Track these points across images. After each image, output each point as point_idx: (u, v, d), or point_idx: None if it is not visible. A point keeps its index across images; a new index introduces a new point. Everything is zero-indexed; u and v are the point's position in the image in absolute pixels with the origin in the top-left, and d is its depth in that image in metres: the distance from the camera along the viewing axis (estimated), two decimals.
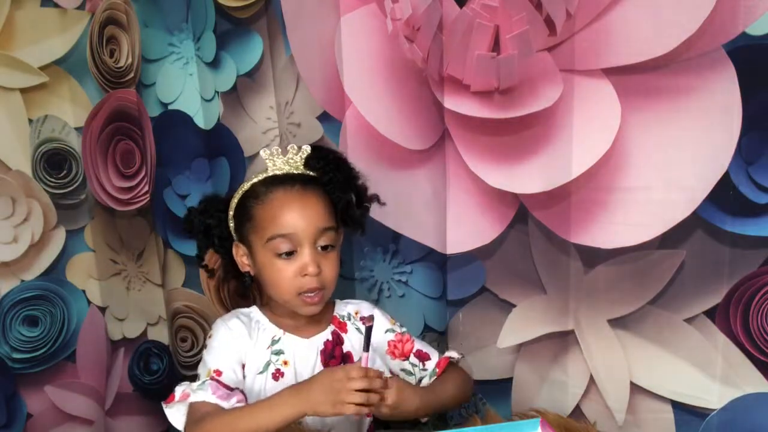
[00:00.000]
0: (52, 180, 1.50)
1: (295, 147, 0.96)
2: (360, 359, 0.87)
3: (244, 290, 1.03)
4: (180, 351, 1.45)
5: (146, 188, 1.45)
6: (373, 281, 1.22)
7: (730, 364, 0.91)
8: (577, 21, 0.91)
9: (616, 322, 0.99)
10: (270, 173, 0.96)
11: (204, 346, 0.97)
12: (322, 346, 0.99)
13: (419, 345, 1.03)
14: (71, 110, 1.49)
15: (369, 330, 0.88)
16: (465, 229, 1.08)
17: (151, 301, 1.53)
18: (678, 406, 0.96)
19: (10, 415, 1.53)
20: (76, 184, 1.53)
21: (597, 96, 0.92)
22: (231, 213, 0.98)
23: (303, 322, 0.98)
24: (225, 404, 0.88)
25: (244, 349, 0.96)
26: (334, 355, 0.98)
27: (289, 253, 0.92)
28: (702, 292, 0.91)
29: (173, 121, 1.34)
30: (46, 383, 1.55)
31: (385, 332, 1.02)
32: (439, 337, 1.17)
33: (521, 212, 1.03)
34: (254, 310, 1.01)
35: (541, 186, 0.99)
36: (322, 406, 0.82)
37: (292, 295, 0.94)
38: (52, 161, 1.49)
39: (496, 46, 0.96)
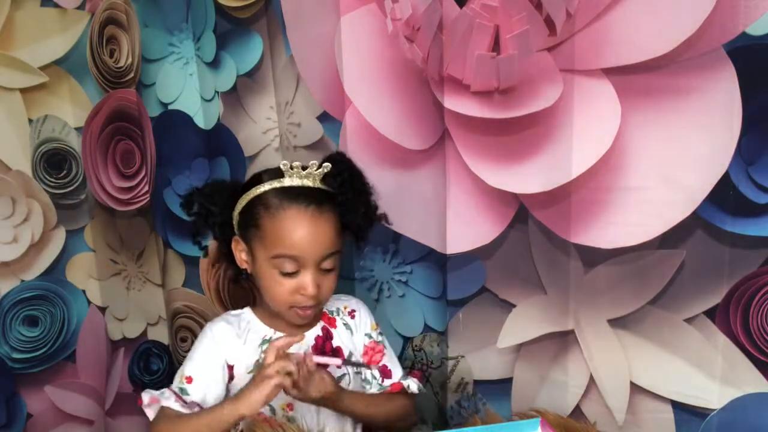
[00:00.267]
0: (52, 180, 1.50)
1: (316, 163, 0.94)
2: None
3: (237, 277, 1.03)
4: (180, 351, 1.45)
5: (146, 188, 1.45)
6: (373, 281, 1.22)
7: (730, 364, 0.91)
8: (577, 21, 0.91)
9: (616, 322, 0.99)
10: (285, 184, 0.93)
11: None
12: (313, 342, 0.99)
13: (387, 360, 1.04)
14: (71, 110, 1.49)
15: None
16: (465, 229, 1.08)
17: (151, 301, 1.53)
18: (678, 406, 0.96)
19: (10, 415, 1.53)
20: (76, 184, 1.53)
21: (597, 96, 0.92)
22: (237, 210, 0.97)
23: (294, 323, 0.99)
24: (186, 411, 0.90)
25: (229, 351, 0.96)
26: (324, 351, 0.99)
27: (292, 273, 0.92)
28: (702, 292, 0.91)
29: (173, 121, 1.34)
30: (46, 383, 1.55)
31: (364, 335, 1.04)
32: (439, 337, 1.17)
33: (521, 212, 1.03)
34: (246, 312, 1.01)
35: (541, 186, 0.99)
36: (252, 396, 0.84)
37: (285, 307, 0.94)
38: (52, 161, 1.49)
39: (496, 46, 0.96)
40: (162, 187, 1.40)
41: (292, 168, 0.92)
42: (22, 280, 1.50)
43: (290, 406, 0.97)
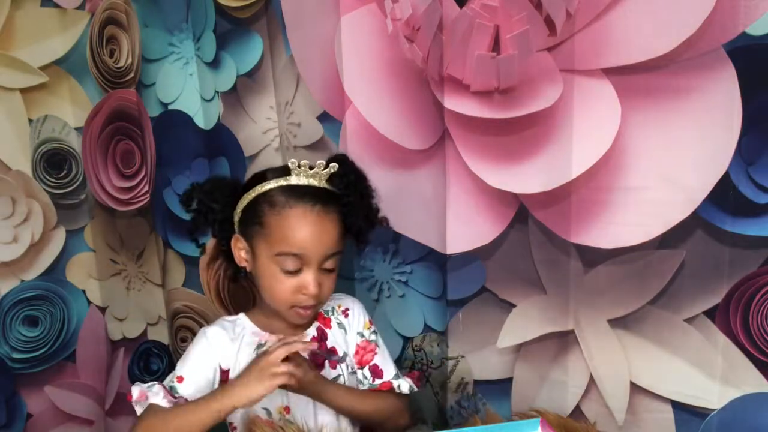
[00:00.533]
0: (52, 180, 1.50)
1: (323, 162, 0.94)
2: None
3: (236, 276, 1.02)
4: (180, 351, 1.45)
5: (146, 188, 1.45)
6: (373, 281, 1.22)
7: (730, 364, 0.91)
8: (577, 21, 0.91)
9: (616, 322, 0.99)
10: (291, 182, 0.93)
11: None
12: None
13: (380, 360, 1.03)
14: (71, 110, 1.49)
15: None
16: (465, 229, 1.07)
17: (151, 301, 1.53)
18: (678, 406, 0.96)
19: (10, 415, 1.53)
20: (76, 184, 1.53)
21: (597, 96, 0.92)
22: (240, 208, 0.96)
23: (287, 323, 0.99)
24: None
25: (223, 355, 0.96)
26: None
27: (294, 271, 0.92)
28: (702, 292, 0.91)
29: (173, 121, 1.34)
30: (46, 383, 1.55)
31: (357, 333, 1.04)
32: (439, 337, 1.17)
33: (521, 212, 1.03)
34: (241, 317, 1.01)
35: (541, 186, 0.99)
36: (253, 389, 0.84)
37: (286, 306, 0.94)
38: (52, 161, 1.50)
39: (496, 46, 0.96)
40: (162, 187, 1.40)
41: (299, 167, 0.92)
42: (22, 280, 1.50)
43: (287, 409, 0.97)
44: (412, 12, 1.01)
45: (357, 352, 1.03)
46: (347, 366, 1.01)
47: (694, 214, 0.88)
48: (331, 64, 1.13)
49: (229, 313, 1.06)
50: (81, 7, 1.43)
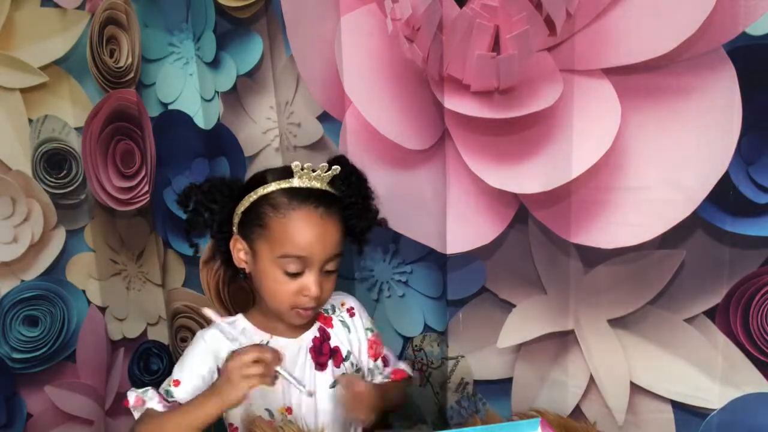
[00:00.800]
0: (52, 180, 1.50)
1: (326, 165, 0.94)
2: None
3: (234, 278, 1.03)
4: (180, 351, 1.45)
5: (146, 188, 1.45)
6: (373, 281, 1.22)
7: (730, 364, 0.91)
8: (577, 21, 0.91)
9: (616, 322, 0.99)
10: (294, 184, 0.93)
11: None
12: (311, 344, 0.99)
13: (385, 349, 1.07)
14: (71, 110, 1.49)
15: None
16: (465, 229, 1.08)
17: (151, 301, 1.53)
18: (678, 406, 0.96)
19: (10, 415, 1.53)
20: (76, 184, 1.53)
21: (597, 96, 0.92)
22: (240, 209, 0.96)
23: (290, 324, 0.99)
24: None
25: (221, 357, 0.96)
26: (322, 352, 0.99)
27: (296, 273, 0.92)
28: (702, 292, 0.91)
29: (173, 121, 1.34)
30: (46, 383, 1.55)
31: (366, 329, 1.05)
32: (439, 337, 1.17)
33: (521, 212, 1.03)
34: (239, 319, 1.01)
35: (541, 186, 0.99)
36: (229, 394, 0.87)
37: (287, 307, 0.94)
38: (52, 161, 1.50)
39: (496, 46, 0.96)
40: (162, 187, 1.40)
41: (302, 169, 0.92)
42: (22, 280, 1.50)
43: (289, 410, 0.97)
44: (412, 12, 1.01)
45: (371, 347, 1.05)
46: (352, 364, 1.01)
47: (694, 214, 0.88)
48: (331, 64, 1.13)
49: (230, 313, 1.06)
50: (81, 7, 1.43)
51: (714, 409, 0.93)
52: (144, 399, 0.93)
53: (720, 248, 0.88)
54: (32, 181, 1.48)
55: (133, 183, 1.47)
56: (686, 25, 0.83)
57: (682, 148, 0.88)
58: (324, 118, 1.17)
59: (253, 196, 0.94)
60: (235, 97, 1.26)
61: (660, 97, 0.88)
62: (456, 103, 1.02)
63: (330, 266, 0.94)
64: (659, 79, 0.87)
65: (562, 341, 1.04)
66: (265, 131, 1.25)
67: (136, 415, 0.94)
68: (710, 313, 0.91)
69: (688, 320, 0.93)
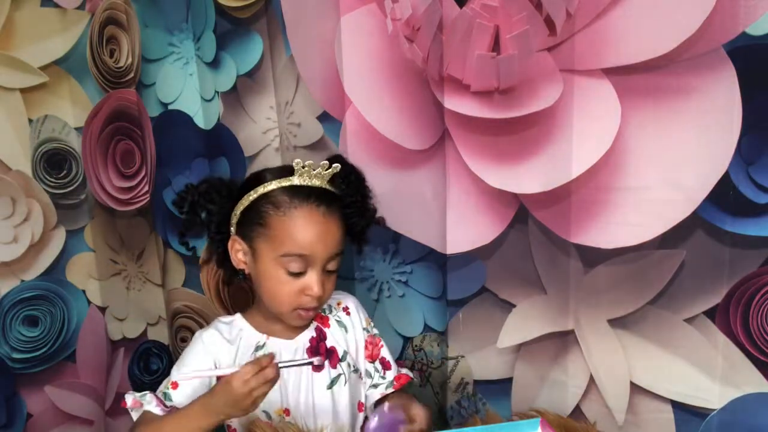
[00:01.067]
0: (52, 180, 1.50)
1: (326, 163, 0.94)
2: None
3: (231, 279, 1.02)
4: (180, 351, 1.44)
5: (146, 188, 1.45)
6: (373, 281, 1.22)
7: (730, 364, 0.91)
8: (577, 21, 0.91)
9: (616, 322, 0.99)
10: (294, 182, 0.92)
11: None
12: (308, 344, 0.99)
13: (384, 352, 1.05)
14: (71, 110, 1.49)
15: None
16: (465, 229, 1.08)
17: (151, 301, 1.53)
18: (678, 406, 0.96)
19: (10, 415, 1.53)
20: (76, 184, 1.53)
21: (597, 96, 0.92)
22: (239, 209, 0.95)
23: (286, 324, 0.98)
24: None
25: (221, 359, 0.96)
26: (319, 352, 0.99)
27: (298, 272, 0.92)
28: (702, 292, 0.91)
29: (173, 121, 1.34)
30: (46, 383, 1.55)
31: (363, 329, 1.04)
32: (439, 337, 1.17)
33: (521, 212, 1.03)
34: (237, 318, 1.00)
35: (541, 186, 0.99)
36: (235, 414, 0.87)
37: (289, 308, 0.94)
38: (52, 161, 1.49)
39: (496, 46, 0.96)
40: (162, 187, 1.40)
41: (304, 167, 0.92)
42: (22, 280, 1.50)
43: (287, 411, 0.96)
44: (412, 12, 1.01)
45: (366, 347, 1.04)
46: (348, 365, 1.01)
47: (694, 214, 0.88)
48: (331, 64, 1.13)
49: (229, 313, 1.06)
50: (81, 7, 1.43)
51: (714, 409, 0.93)
52: (142, 402, 0.92)
53: (720, 248, 0.88)
54: (32, 181, 1.48)
55: (133, 183, 1.47)
56: (686, 25, 0.83)
57: (682, 148, 0.88)
58: (324, 118, 1.17)
59: (252, 195, 0.93)
60: (235, 97, 1.26)
61: (660, 97, 0.88)
62: (456, 103, 1.02)
63: (331, 265, 0.93)
64: (659, 79, 0.87)
65: (562, 341, 1.04)
66: (265, 131, 1.25)
67: (134, 416, 0.93)
68: (710, 313, 0.91)
69: (688, 320, 0.93)
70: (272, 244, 0.92)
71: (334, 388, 0.99)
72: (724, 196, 0.86)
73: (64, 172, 1.51)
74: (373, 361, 1.04)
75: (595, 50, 0.91)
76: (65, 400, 1.57)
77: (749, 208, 0.85)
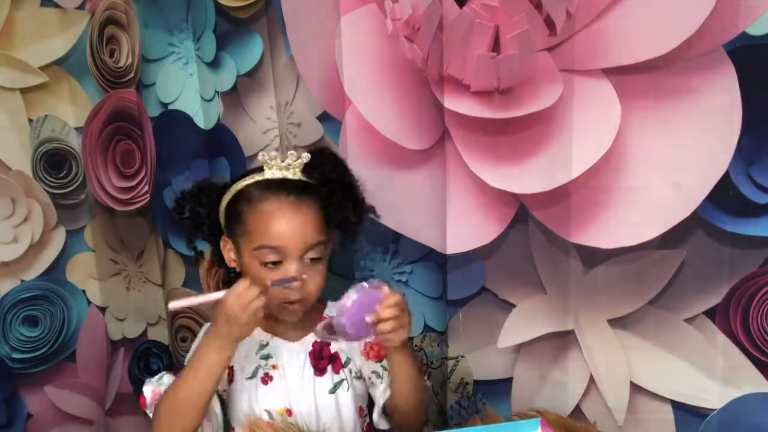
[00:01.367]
0: (52, 180, 1.50)
1: (295, 153, 0.95)
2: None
3: (230, 280, 1.02)
4: (180, 351, 1.45)
5: (146, 188, 1.45)
6: None
7: (730, 364, 0.91)
8: (577, 21, 0.91)
9: (616, 322, 0.99)
10: (266, 176, 0.94)
11: None
12: (311, 348, 0.99)
13: None
14: (71, 110, 1.49)
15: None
16: (465, 229, 1.07)
17: (151, 301, 1.53)
18: (678, 406, 0.96)
19: (10, 415, 1.53)
20: (76, 184, 1.53)
21: (597, 96, 0.92)
22: (222, 208, 0.97)
23: (290, 326, 0.98)
24: None
25: None
26: (322, 356, 0.99)
27: (275, 263, 0.92)
28: (702, 292, 0.91)
29: (173, 121, 1.34)
30: (46, 383, 1.55)
31: None
32: (439, 337, 1.17)
33: (521, 212, 1.03)
34: None
35: (541, 186, 0.99)
36: (239, 332, 0.86)
37: (274, 302, 0.94)
38: (52, 161, 1.49)
39: (496, 46, 0.96)
40: (162, 187, 1.40)
41: (272, 160, 0.93)
42: (22, 280, 1.50)
43: (289, 412, 0.96)
44: (412, 12, 1.01)
45: (370, 348, 1.02)
46: (351, 371, 1.01)
47: (694, 214, 0.89)
48: (331, 64, 1.12)
49: None
50: (81, 7, 1.43)
51: (714, 409, 0.93)
52: (161, 389, 0.92)
53: (720, 248, 0.88)
54: (32, 181, 1.48)
55: (133, 183, 1.47)
56: (686, 25, 0.83)
57: (682, 148, 0.88)
58: (324, 118, 1.17)
59: (230, 194, 0.96)
60: (235, 97, 1.26)
61: (660, 97, 0.88)
62: (456, 103, 1.02)
63: (311, 255, 0.93)
64: (659, 79, 0.87)
65: (562, 341, 1.04)
66: (265, 131, 1.25)
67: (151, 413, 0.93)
68: (710, 313, 0.91)
69: (688, 320, 0.93)
70: (248, 238, 0.93)
71: (337, 392, 0.98)
72: (724, 196, 0.86)
73: (64, 172, 1.51)
74: (380, 361, 1.02)
75: (594, 50, 0.91)
76: (65, 400, 1.57)
77: (749, 208, 0.85)
